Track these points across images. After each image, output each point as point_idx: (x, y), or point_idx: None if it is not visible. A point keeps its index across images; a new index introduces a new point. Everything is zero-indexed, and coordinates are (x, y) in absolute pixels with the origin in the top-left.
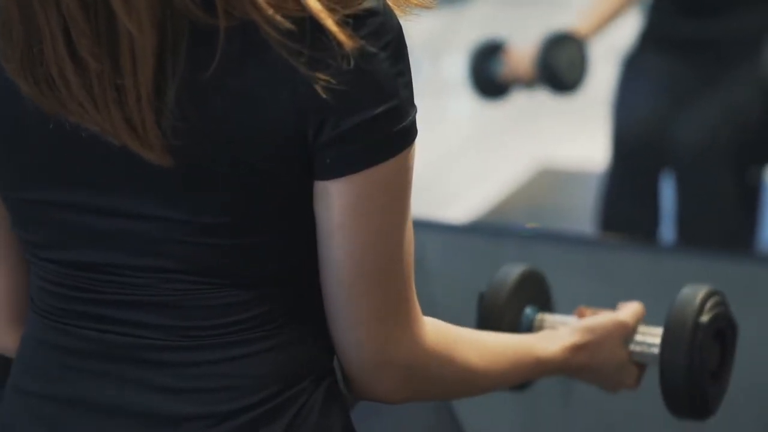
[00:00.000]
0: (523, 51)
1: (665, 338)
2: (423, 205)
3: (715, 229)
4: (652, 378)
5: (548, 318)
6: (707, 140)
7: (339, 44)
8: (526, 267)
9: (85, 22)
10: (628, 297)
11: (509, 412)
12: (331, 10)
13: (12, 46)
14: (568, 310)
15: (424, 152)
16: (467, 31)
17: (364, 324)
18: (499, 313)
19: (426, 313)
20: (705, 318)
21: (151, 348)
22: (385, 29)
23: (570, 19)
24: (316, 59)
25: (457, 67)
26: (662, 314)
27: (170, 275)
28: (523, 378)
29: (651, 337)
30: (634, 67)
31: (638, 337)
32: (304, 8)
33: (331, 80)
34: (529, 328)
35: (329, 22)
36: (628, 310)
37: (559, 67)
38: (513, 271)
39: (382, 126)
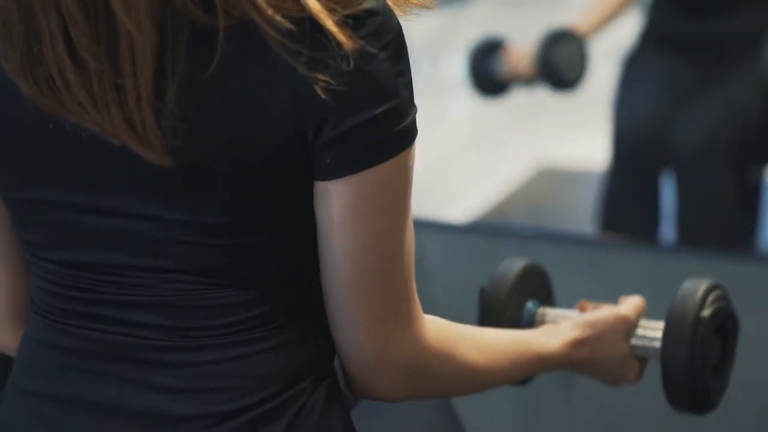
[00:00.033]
0: (522, 48)
1: (667, 332)
2: (423, 205)
3: (716, 229)
4: (653, 372)
5: (550, 312)
6: (707, 140)
7: (339, 45)
8: (528, 261)
9: (85, 22)
10: None
11: (510, 408)
12: (330, 10)
13: (12, 46)
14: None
15: (424, 152)
16: (467, 31)
17: (365, 323)
18: (500, 307)
19: (426, 313)
20: (706, 312)
21: (151, 348)
22: (384, 29)
23: (570, 18)
24: (316, 59)
25: (457, 67)
26: (662, 314)
27: (170, 275)
28: (524, 374)
29: (652, 331)
30: (634, 66)
31: (640, 331)
32: (304, 8)
33: (331, 81)
34: (531, 322)
35: (329, 23)
36: (630, 304)
37: (559, 64)
38: (514, 266)
39: (382, 126)
